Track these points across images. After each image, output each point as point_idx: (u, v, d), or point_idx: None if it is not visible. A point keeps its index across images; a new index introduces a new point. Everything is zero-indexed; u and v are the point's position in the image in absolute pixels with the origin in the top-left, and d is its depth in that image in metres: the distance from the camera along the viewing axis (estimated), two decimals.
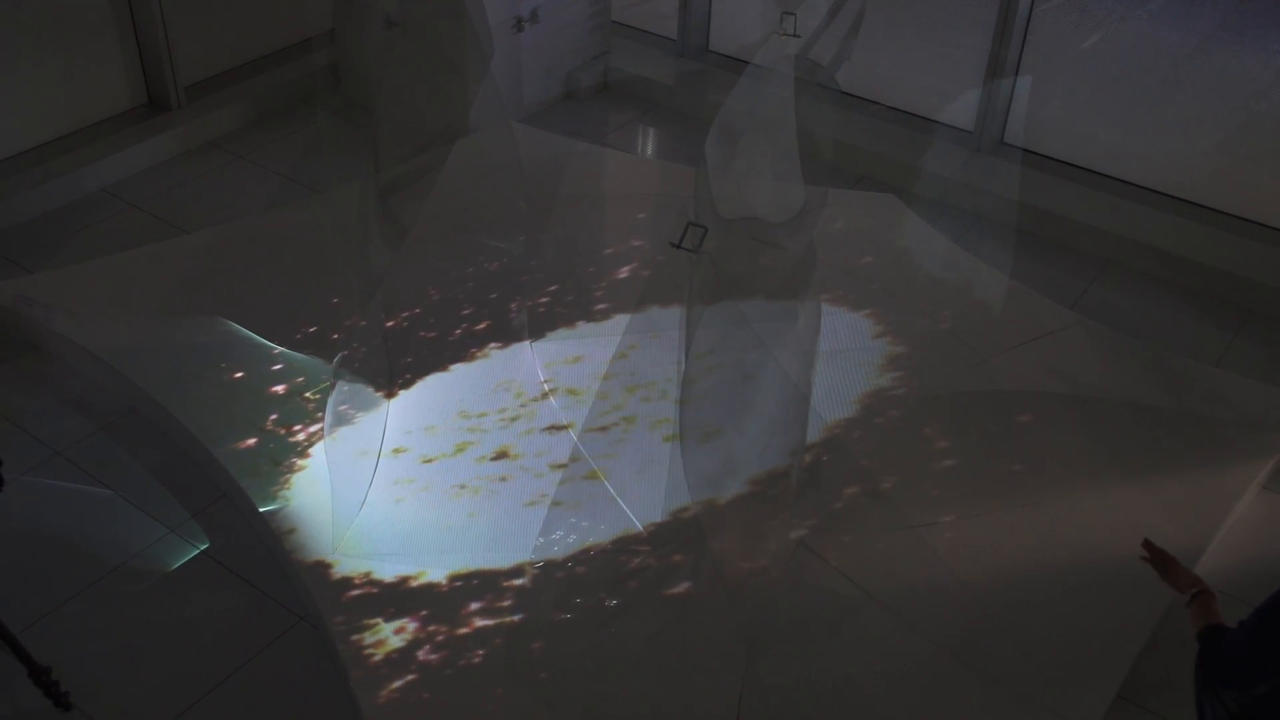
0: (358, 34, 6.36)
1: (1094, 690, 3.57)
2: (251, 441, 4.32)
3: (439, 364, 4.68)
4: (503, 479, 4.21)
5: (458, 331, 4.82)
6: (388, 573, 3.88)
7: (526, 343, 4.77)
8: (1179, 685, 3.71)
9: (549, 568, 3.90)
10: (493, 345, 4.76)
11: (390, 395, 4.51)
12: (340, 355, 4.49)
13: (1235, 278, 5.28)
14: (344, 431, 4.32)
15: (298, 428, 4.39)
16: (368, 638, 3.68)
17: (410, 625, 3.72)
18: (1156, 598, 3.85)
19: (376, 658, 3.62)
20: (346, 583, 3.84)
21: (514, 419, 4.44)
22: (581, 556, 3.94)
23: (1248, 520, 4.25)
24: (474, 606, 3.78)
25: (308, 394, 4.53)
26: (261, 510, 4.06)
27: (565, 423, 4.43)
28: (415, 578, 3.87)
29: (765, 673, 3.59)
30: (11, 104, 5.66)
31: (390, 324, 4.81)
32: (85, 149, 5.84)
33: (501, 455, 4.30)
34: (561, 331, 4.84)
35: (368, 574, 3.87)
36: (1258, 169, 5.39)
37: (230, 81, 6.42)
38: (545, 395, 4.54)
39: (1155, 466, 4.33)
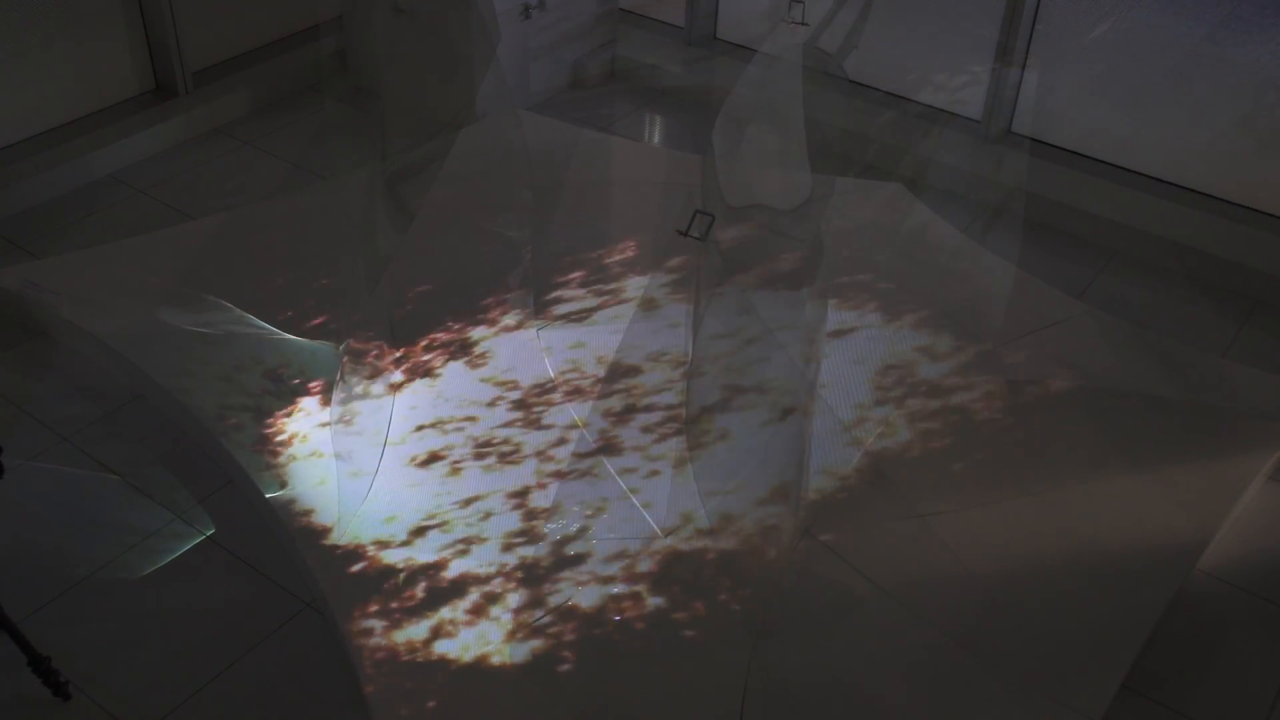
0: (365, 20, 6.35)
1: (1099, 680, 3.57)
2: (258, 428, 4.32)
3: (444, 351, 4.68)
4: (509, 467, 4.21)
5: (463, 318, 4.82)
6: (394, 559, 3.88)
7: (533, 330, 4.77)
8: (1184, 676, 3.72)
9: (556, 556, 3.90)
10: (498, 333, 4.76)
11: (396, 381, 4.52)
12: (346, 341, 4.49)
13: (1243, 268, 5.27)
14: (350, 417, 4.32)
15: (304, 414, 4.39)
16: (373, 624, 3.68)
17: (416, 611, 3.72)
18: (1163, 588, 3.85)
19: (382, 644, 3.62)
20: (352, 569, 3.85)
21: (520, 406, 4.44)
22: (589, 545, 3.94)
23: (1255, 511, 4.25)
24: (480, 593, 3.78)
25: (315, 380, 4.53)
26: (268, 496, 4.07)
27: (571, 411, 4.43)
28: (422, 564, 3.87)
29: (770, 663, 3.59)
30: (19, 89, 5.66)
31: (396, 310, 4.81)
32: (92, 134, 5.84)
33: (508, 443, 4.30)
34: (567, 319, 4.84)
35: (374, 561, 3.88)
36: (1266, 159, 5.38)
37: (238, 68, 6.42)
38: (551, 383, 4.54)
39: (1162, 456, 4.32)
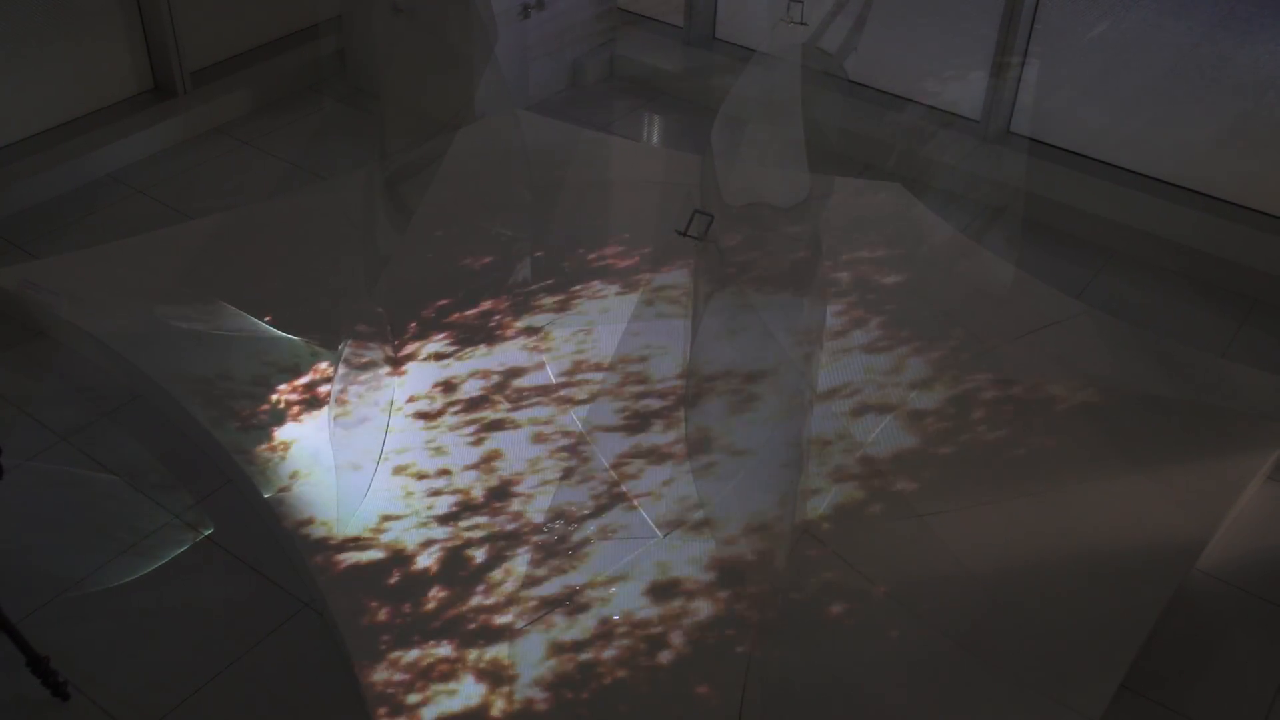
0: (365, 20, 6.35)
1: (1098, 680, 3.57)
2: (256, 427, 4.32)
3: (443, 350, 4.68)
4: (506, 467, 4.21)
5: (462, 318, 4.82)
6: (393, 559, 3.88)
7: (531, 329, 4.76)
8: (1182, 675, 3.72)
9: (553, 556, 3.90)
10: (497, 333, 4.76)
11: (394, 381, 4.52)
12: (345, 341, 4.49)
13: (1241, 268, 5.28)
14: (349, 417, 4.32)
15: (303, 414, 4.39)
16: (372, 624, 3.68)
17: (415, 611, 3.72)
18: (1161, 587, 3.85)
19: (381, 644, 3.62)
20: (351, 569, 3.84)
21: (518, 407, 4.44)
22: (586, 544, 3.94)
23: (1253, 510, 4.25)
24: (479, 592, 3.78)
25: (313, 379, 4.53)
26: (266, 496, 4.07)
27: (569, 410, 4.42)
28: (420, 564, 3.87)
29: (768, 663, 3.59)
30: (17, 89, 5.66)
31: (395, 309, 4.81)
32: (91, 134, 5.84)
33: (506, 442, 4.30)
34: (565, 318, 4.84)
35: (373, 560, 3.87)
36: (1265, 159, 5.38)
37: (236, 67, 6.42)
38: (549, 382, 4.54)
39: (1161, 456, 4.32)
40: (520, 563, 3.88)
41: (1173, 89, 5.50)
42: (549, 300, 4.93)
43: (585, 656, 3.62)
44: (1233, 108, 5.37)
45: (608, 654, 3.63)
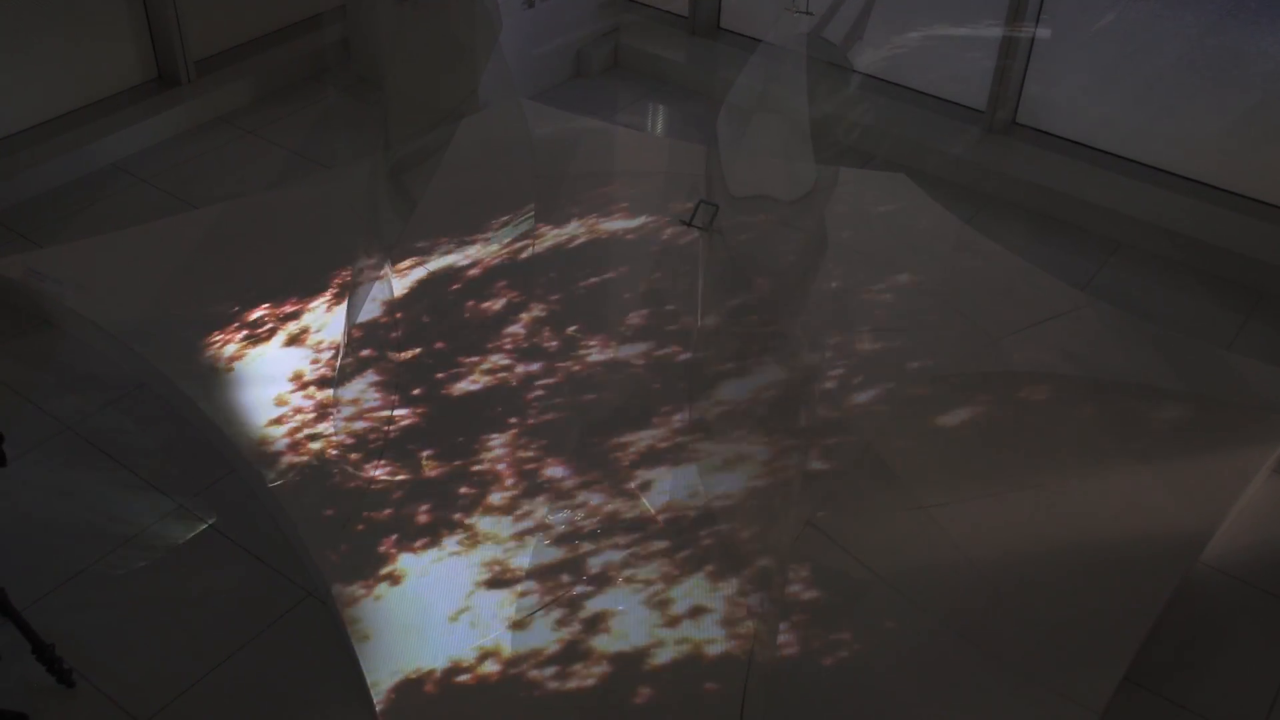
0: (369, 9, 6.35)
1: (1100, 672, 3.57)
2: (259, 417, 4.32)
3: (445, 341, 4.67)
4: (511, 455, 4.21)
5: (463, 308, 4.82)
6: (396, 549, 3.88)
7: (534, 320, 4.76)
8: (1186, 669, 3.72)
9: (557, 547, 3.90)
10: (499, 324, 4.75)
11: (398, 370, 4.51)
12: (349, 329, 4.49)
13: (1248, 260, 5.26)
14: (353, 406, 4.32)
15: (306, 402, 4.39)
16: (375, 613, 3.68)
17: (418, 601, 3.72)
18: (1164, 580, 3.85)
19: (385, 633, 3.62)
20: (354, 559, 3.84)
21: (519, 398, 4.43)
22: (589, 535, 3.94)
23: (1258, 503, 4.24)
24: (483, 582, 3.78)
25: (317, 368, 4.53)
26: (270, 485, 4.07)
27: (574, 400, 4.42)
28: (424, 553, 3.87)
29: (771, 653, 3.59)
30: (21, 79, 5.65)
31: (397, 300, 4.80)
32: (95, 124, 5.84)
33: (510, 431, 4.30)
34: (569, 308, 4.83)
35: (376, 550, 3.87)
36: (1272, 150, 5.37)
37: (240, 56, 6.41)
38: (555, 372, 4.54)
39: (1165, 448, 4.31)
40: (525, 551, 3.88)
41: (1180, 80, 5.48)
42: (550, 291, 4.92)
43: (588, 652, 3.62)
44: (1241, 100, 5.35)
45: (610, 649, 3.63)
